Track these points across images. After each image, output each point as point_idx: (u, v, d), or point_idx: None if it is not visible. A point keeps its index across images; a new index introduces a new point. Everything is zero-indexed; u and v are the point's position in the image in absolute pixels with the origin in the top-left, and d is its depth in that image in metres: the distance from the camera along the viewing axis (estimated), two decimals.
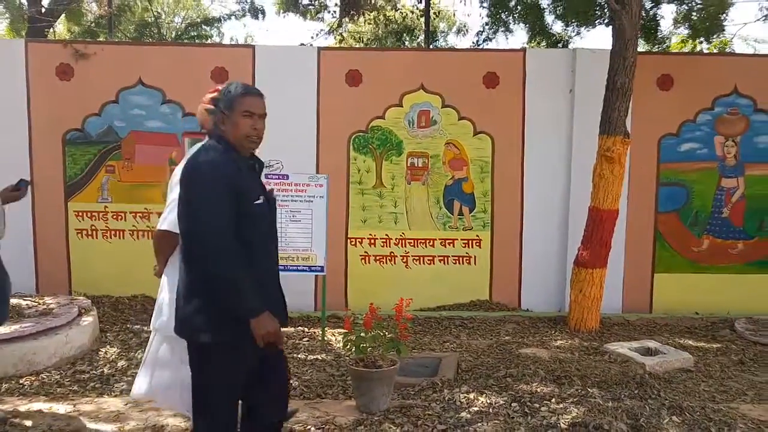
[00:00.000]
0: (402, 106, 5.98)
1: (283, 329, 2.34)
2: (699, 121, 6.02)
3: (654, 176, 6.04)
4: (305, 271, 4.81)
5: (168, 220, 2.75)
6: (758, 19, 8.21)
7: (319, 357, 4.56)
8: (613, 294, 5.88)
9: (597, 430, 3.22)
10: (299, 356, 4.57)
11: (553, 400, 3.56)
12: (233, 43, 14.62)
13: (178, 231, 2.44)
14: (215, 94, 2.59)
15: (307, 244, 4.75)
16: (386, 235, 6.03)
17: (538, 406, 3.49)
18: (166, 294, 2.85)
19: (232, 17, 11.03)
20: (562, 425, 3.27)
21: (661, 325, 5.67)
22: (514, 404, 3.51)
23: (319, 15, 9.63)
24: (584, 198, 5.48)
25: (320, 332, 5.00)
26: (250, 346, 2.23)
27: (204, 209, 2.18)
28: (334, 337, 4.99)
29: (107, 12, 8.36)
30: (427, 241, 6.07)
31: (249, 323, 2.17)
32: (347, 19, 9.24)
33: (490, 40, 8.50)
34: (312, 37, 11.11)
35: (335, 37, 10.88)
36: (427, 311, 5.92)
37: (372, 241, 6.02)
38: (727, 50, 9.65)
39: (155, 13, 12.72)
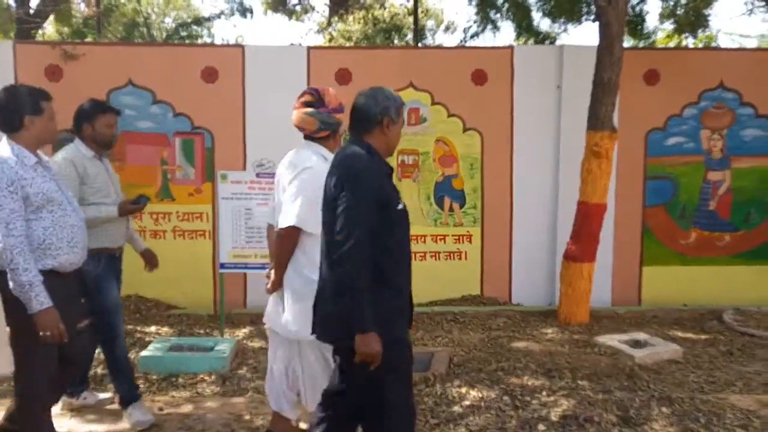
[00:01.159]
0: None
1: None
2: (685, 115, 6.09)
3: (641, 170, 6.11)
4: (257, 267, 4.74)
5: (298, 216, 2.73)
6: (743, 14, 8.31)
7: None
8: (602, 287, 5.94)
9: (587, 422, 3.29)
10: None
11: (544, 393, 3.62)
12: (223, 43, 14.60)
13: (307, 227, 2.69)
14: (311, 97, 2.88)
15: None
16: None
17: (529, 399, 3.54)
18: (289, 296, 2.84)
19: (222, 16, 11.00)
20: (552, 418, 3.32)
21: (649, 318, 5.73)
22: (505, 397, 3.56)
23: (306, 15, 9.63)
24: (573, 193, 5.53)
25: None
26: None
27: (360, 217, 2.22)
28: None
29: (95, 12, 8.33)
30: (419, 237, 6.11)
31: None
32: (336, 18, 9.25)
33: (478, 36, 8.56)
34: (301, 37, 11.13)
35: (324, 36, 10.90)
36: (419, 307, 5.95)
37: None
38: (713, 45, 9.76)
39: (145, 14, 12.66)
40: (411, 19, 7.83)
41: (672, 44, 9.19)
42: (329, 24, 9.78)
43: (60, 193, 2.78)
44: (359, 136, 2.41)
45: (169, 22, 15.20)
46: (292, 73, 5.87)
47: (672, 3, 6.37)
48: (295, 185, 2.78)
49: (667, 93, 6.04)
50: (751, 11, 7.15)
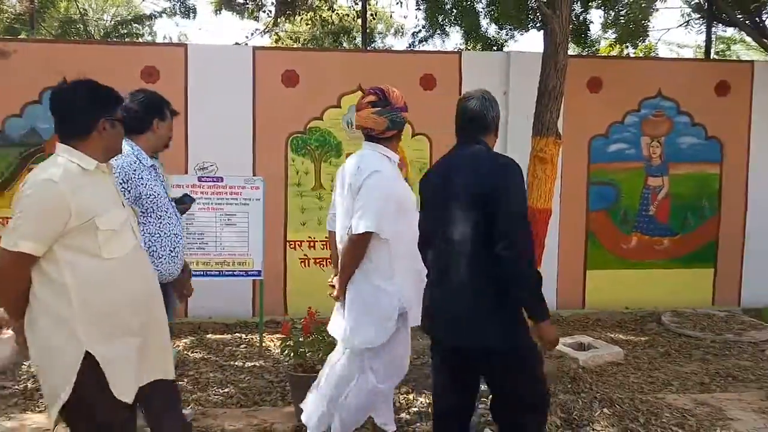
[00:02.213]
0: (340, 107, 5.95)
1: (220, 336, 2.36)
2: (627, 122, 6.27)
3: (585, 176, 6.24)
4: (242, 276, 4.71)
5: (375, 221, 2.67)
6: (680, 25, 8.63)
7: (257, 364, 4.48)
8: (547, 291, 5.88)
9: None
10: (236, 363, 4.48)
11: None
12: (165, 41, 14.22)
13: (381, 233, 2.66)
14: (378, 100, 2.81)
15: (244, 249, 4.65)
16: (326, 237, 5.96)
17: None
18: (355, 305, 2.79)
19: (163, 15, 10.69)
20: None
21: (593, 321, 5.86)
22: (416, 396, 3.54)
23: (256, 15, 9.45)
24: None
25: (258, 338, 4.91)
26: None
27: (525, 214, 2.34)
28: (273, 342, 4.91)
29: (29, 8, 7.94)
30: None
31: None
32: (283, 19, 9.12)
33: (427, 41, 8.59)
34: (247, 37, 10.93)
35: (271, 37, 10.75)
36: None
37: (312, 244, 5.96)
38: (652, 54, 10.10)
39: (81, 10, 12.19)
40: (360, 21, 7.78)
41: (614, 53, 9.47)
42: (275, 24, 9.63)
43: (167, 200, 2.75)
44: (475, 139, 2.47)
45: (107, 20, 14.70)
46: (236, 73, 5.74)
47: (613, 13, 6.55)
48: (366, 190, 2.72)
49: (609, 100, 6.20)
50: (687, 23, 7.45)
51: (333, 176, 5.92)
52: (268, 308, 5.30)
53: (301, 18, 9.79)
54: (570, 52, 5.58)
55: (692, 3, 7.10)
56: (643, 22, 6.21)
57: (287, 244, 5.91)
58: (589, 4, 7.23)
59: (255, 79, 5.78)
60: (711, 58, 7.29)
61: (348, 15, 10.56)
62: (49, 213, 1.94)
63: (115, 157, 2.36)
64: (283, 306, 5.86)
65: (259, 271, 4.71)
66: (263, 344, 4.84)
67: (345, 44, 11.92)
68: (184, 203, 3.36)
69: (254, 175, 5.58)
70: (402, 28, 13.11)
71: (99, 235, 2.02)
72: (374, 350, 2.77)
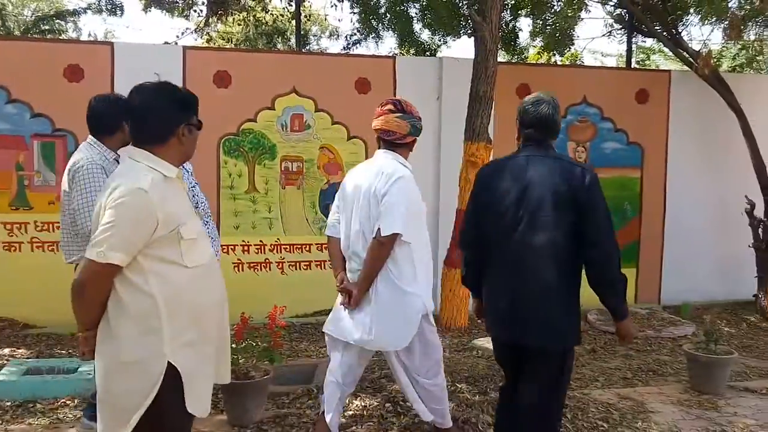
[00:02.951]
0: (274, 109, 5.88)
1: None
2: None
3: None
4: None
5: (402, 225, 2.77)
6: (603, 35, 9.03)
7: None
8: None
9: (465, 424, 3.37)
10: None
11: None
12: (90, 39, 13.66)
13: (407, 236, 2.77)
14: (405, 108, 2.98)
15: None
16: (260, 241, 5.90)
17: (410, 405, 3.56)
18: (380, 307, 2.83)
19: (88, 11, 10.26)
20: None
21: None
22: (387, 404, 3.57)
23: (187, 14, 9.22)
24: (453, 201, 5.70)
25: None
26: None
27: (611, 220, 2.46)
28: None
29: None
30: (304, 246, 6.02)
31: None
32: (215, 19, 8.94)
33: (361, 44, 8.63)
34: (177, 36, 10.64)
35: (202, 37, 10.50)
36: (304, 317, 5.87)
37: (245, 248, 5.87)
38: (578, 63, 10.52)
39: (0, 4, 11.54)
40: (294, 23, 7.72)
41: (542, 60, 9.80)
42: (207, 24, 9.43)
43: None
44: (545, 143, 2.54)
45: (28, 15, 13.96)
46: (166, 73, 5.54)
47: (541, 22, 6.79)
48: (392, 195, 2.80)
49: None
50: (610, 33, 7.80)
51: (267, 179, 5.90)
52: None
53: (234, 18, 9.62)
54: (500, 59, 5.75)
55: (614, 14, 7.44)
56: (568, 31, 6.45)
57: (220, 248, 5.78)
58: (518, 12, 7.46)
59: (185, 80, 5.63)
60: (632, 67, 7.65)
61: (282, 16, 10.46)
62: (140, 223, 1.87)
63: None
64: None
65: None
66: None
67: (280, 46, 11.80)
68: None
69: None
70: (337, 31, 13.09)
71: (182, 244, 1.96)
72: (405, 349, 2.90)
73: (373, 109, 6.07)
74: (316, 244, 6.04)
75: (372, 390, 3.86)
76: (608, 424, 3.48)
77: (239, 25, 10.26)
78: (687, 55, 6.54)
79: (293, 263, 5.99)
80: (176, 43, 9.46)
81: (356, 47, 8.72)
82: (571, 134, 6.53)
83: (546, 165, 2.47)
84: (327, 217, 6.01)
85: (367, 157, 6.10)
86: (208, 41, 10.82)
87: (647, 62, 12.94)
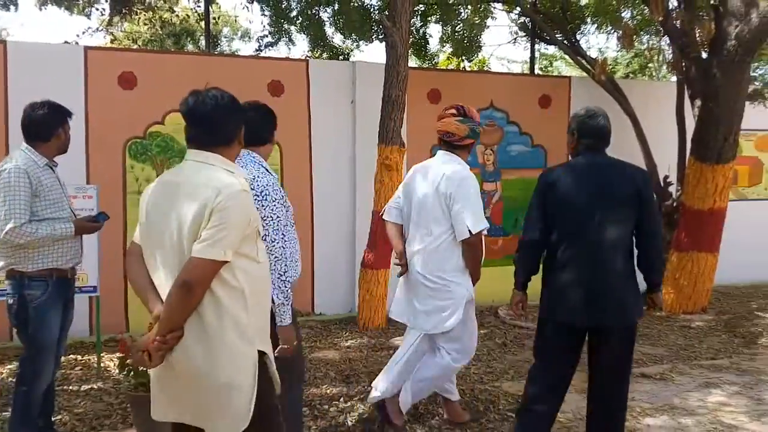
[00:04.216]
0: None
1: None
2: None
3: None
4: (76, 292, 4.33)
5: (483, 220, 3.15)
6: (508, 42, 9.41)
7: (94, 386, 4.16)
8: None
9: (382, 423, 3.41)
10: (71, 388, 4.12)
11: (342, 399, 3.70)
12: None
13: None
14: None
15: None
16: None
17: (327, 407, 3.59)
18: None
19: None
20: (349, 423, 3.40)
21: None
22: (304, 409, 3.56)
23: (88, 12, 8.77)
24: (369, 203, 5.76)
25: (95, 359, 4.56)
26: None
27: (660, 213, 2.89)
28: (113, 362, 4.58)
29: None
30: None
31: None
32: (119, 18, 8.56)
33: (274, 46, 8.54)
34: (78, 36, 10.09)
35: (105, 36, 10.03)
36: None
37: None
38: (485, 68, 10.90)
39: None
40: (203, 24, 7.53)
41: (452, 66, 10.08)
42: (110, 23, 9.01)
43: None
44: (603, 151, 2.90)
45: None
46: (65, 74, 5.30)
47: (450, 29, 6.99)
48: (465, 195, 3.10)
49: None
50: (515, 40, 8.15)
51: None
52: (108, 326, 4.97)
53: (140, 18, 9.25)
54: (411, 64, 5.87)
55: (518, 22, 7.79)
56: (475, 38, 6.69)
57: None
58: (428, 18, 7.65)
59: (87, 81, 5.38)
60: (535, 73, 8.02)
61: (189, 17, 10.16)
62: (244, 222, 1.98)
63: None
64: (125, 322, 5.51)
65: (95, 287, 4.38)
66: (102, 365, 4.51)
67: (191, 47, 11.48)
68: (98, 221, 3.33)
69: (88, 183, 5.19)
70: (248, 33, 12.87)
71: (258, 241, 2.09)
72: (446, 334, 3.18)
73: (287, 113, 6.10)
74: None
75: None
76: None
77: (146, 24, 9.88)
78: (585, 62, 6.95)
79: None
80: (77, 43, 8.98)
81: (268, 50, 8.62)
82: (480, 138, 6.74)
83: (611, 169, 2.87)
84: None
85: (282, 161, 6.07)
86: (112, 41, 10.35)
87: (550, 69, 13.60)
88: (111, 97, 5.47)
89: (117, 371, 4.08)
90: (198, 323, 1.94)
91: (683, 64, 6.08)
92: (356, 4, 7.00)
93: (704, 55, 5.79)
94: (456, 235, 3.13)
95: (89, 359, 4.71)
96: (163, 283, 1.98)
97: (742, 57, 5.40)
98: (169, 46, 10.89)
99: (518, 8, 7.36)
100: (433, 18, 7.39)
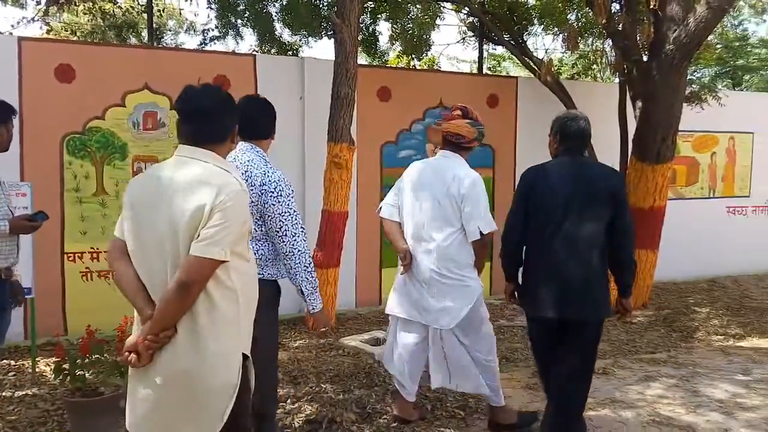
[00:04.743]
0: (125, 106, 5.53)
1: None
2: (413, 130, 6.73)
3: (378, 180, 6.58)
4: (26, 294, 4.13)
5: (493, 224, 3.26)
6: (457, 42, 9.50)
7: (29, 392, 3.97)
8: (347, 290, 6.24)
9: (330, 423, 3.39)
10: (4, 394, 3.93)
11: (289, 401, 3.65)
12: None
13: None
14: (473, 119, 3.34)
15: None
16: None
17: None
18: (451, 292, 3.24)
19: None
20: (296, 424, 3.36)
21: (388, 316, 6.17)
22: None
23: (22, 1, 8.36)
24: (318, 201, 5.71)
25: (30, 363, 4.36)
26: None
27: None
28: (49, 367, 4.39)
29: None
30: None
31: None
32: (56, 9, 8.20)
33: (221, 40, 8.36)
34: (12, 26, 9.63)
35: (42, 27, 9.60)
36: None
37: (94, 255, 5.45)
38: (435, 67, 10.98)
39: None
40: (147, 16, 7.29)
41: (402, 64, 10.11)
42: (47, 14, 8.62)
43: None
44: (583, 152, 3.02)
45: None
46: None
47: (399, 27, 6.99)
48: (475, 196, 3.19)
49: (397, 109, 6.60)
50: (464, 39, 8.23)
51: (118, 181, 5.53)
52: (45, 329, 4.77)
53: (78, 8, 8.88)
54: (361, 61, 5.84)
55: (467, 22, 7.87)
56: (425, 36, 6.71)
57: (65, 256, 5.33)
58: (378, 16, 7.63)
59: (21, 73, 5.13)
60: (483, 73, 8.13)
61: (133, 9, 9.83)
62: (242, 222, 1.97)
63: None
64: (63, 325, 5.29)
65: (29, 289, 4.18)
66: (37, 370, 4.31)
67: (134, 39, 11.11)
68: (35, 221, 3.22)
69: (22, 180, 4.95)
70: (194, 26, 12.55)
71: (249, 239, 2.09)
72: (463, 328, 3.24)
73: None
74: None
75: None
76: (465, 412, 3.67)
77: (86, 15, 9.50)
78: (531, 63, 7.08)
79: None
80: (11, 34, 8.57)
81: (214, 43, 8.43)
82: (430, 136, 6.79)
83: (590, 170, 3.00)
84: None
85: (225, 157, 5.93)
86: (48, 32, 9.91)
87: (498, 69, 13.81)
88: (47, 90, 5.23)
89: (53, 376, 3.91)
90: (191, 323, 1.91)
91: (625, 66, 6.26)
92: (304, 0, 6.92)
93: (645, 57, 5.98)
94: (467, 236, 3.24)
95: (23, 364, 4.51)
96: (151, 278, 1.94)
97: (679, 60, 5.60)
98: (111, 38, 10.50)
99: (467, 8, 7.44)
100: (383, 16, 7.39)
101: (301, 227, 2.59)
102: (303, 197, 6.19)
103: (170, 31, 12.96)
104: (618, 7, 6.45)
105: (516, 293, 3.22)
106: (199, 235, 1.87)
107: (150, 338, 1.87)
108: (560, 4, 6.91)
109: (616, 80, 6.87)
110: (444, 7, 7.87)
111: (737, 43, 14.47)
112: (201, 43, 8.44)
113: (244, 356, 2.02)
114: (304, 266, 2.56)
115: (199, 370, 1.91)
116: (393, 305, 3.48)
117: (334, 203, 5.57)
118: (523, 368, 4.66)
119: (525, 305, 3.13)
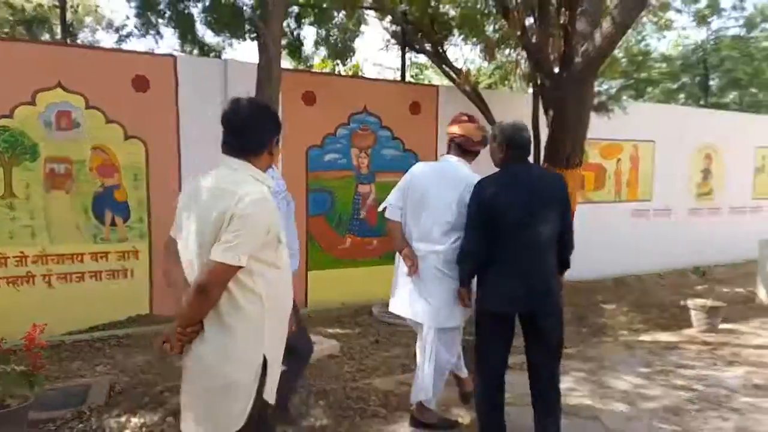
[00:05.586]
0: (35, 105, 5.29)
1: None
2: (338, 134, 6.80)
3: (304, 183, 6.60)
4: None
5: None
6: (380, 49, 9.64)
7: None
8: None
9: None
10: None
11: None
12: None
13: None
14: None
15: None
16: (21, 252, 5.26)
17: None
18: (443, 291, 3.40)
19: None
20: None
21: (314, 318, 6.21)
22: (169, 418, 3.45)
23: None
24: None
25: None
26: None
27: None
28: None
29: None
30: (75, 256, 5.51)
31: None
32: None
33: (138, 38, 8.10)
34: None
35: None
36: (78, 334, 5.37)
37: (2, 260, 5.18)
38: (360, 73, 11.10)
39: None
40: (59, 11, 6.98)
41: (327, 69, 10.15)
42: None
43: None
44: (526, 159, 3.22)
45: None
46: None
47: (324, 32, 7.04)
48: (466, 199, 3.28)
49: (323, 114, 6.66)
50: (387, 47, 8.37)
51: (28, 182, 5.29)
52: None
53: None
54: (287, 65, 5.85)
55: (390, 30, 8.01)
56: (349, 42, 6.80)
57: None
58: (302, 21, 7.64)
59: None
60: (406, 80, 8.30)
61: (43, 4, 9.35)
62: (262, 229, 2.04)
63: None
64: None
65: None
66: None
67: (47, 36, 10.55)
68: None
69: None
70: (112, 24, 12.08)
71: (279, 248, 2.16)
72: (458, 328, 3.47)
73: (154, 109, 5.86)
74: (90, 253, 5.57)
75: (153, 405, 3.68)
76: (387, 410, 3.76)
77: None
78: (451, 72, 7.30)
79: (63, 276, 5.45)
80: None
81: (129, 40, 8.14)
82: (354, 141, 6.89)
83: (540, 177, 3.23)
84: (102, 223, 5.68)
85: (148, 159, 5.79)
86: None
87: (421, 77, 14.11)
88: None
89: None
90: (216, 322, 2.05)
91: (538, 77, 6.59)
92: (227, 2, 6.84)
93: (556, 69, 6.31)
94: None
95: None
96: (190, 276, 2.10)
97: (587, 73, 5.94)
98: (22, 33, 9.94)
99: (390, 17, 7.58)
100: (308, 20, 7.42)
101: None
102: None
103: (87, 28, 12.40)
104: (532, 21, 6.78)
105: (468, 297, 3.35)
106: (219, 239, 1.99)
107: (179, 331, 2.04)
108: (479, 16, 7.17)
109: (530, 90, 7.20)
110: (368, 15, 7.99)
111: (640, 58, 15.47)
112: (118, 41, 8.15)
113: (265, 359, 2.10)
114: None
115: (220, 367, 2.05)
116: (396, 304, 3.68)
117: None
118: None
119: (486, 303, 3.22)
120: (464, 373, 3.79)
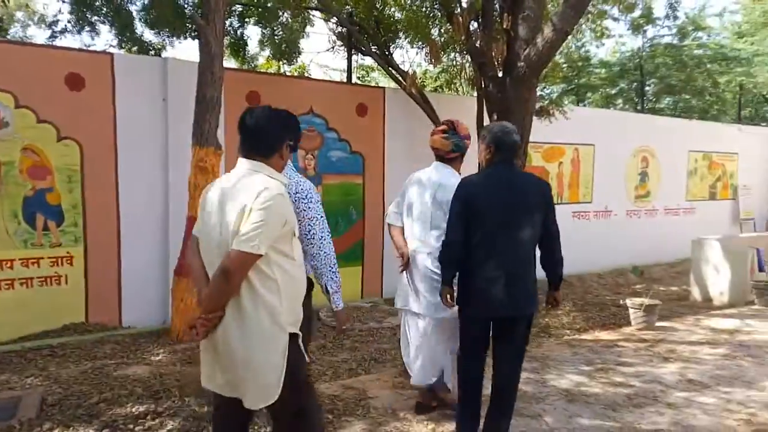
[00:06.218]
0: None
1: None
2: None
3: None
4: None
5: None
6: (327, 50, 9.60)
7: None
8: None
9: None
10: None
11: (149, 417, 3.49)
12: None
13: None
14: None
15: None
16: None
17: (132, 426, 3.37)
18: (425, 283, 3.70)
19: None
20: None
21: None
22: (106, 430, 3.30)
23: None
24: (183, 207, 5.51)
25: None
26: None
27: None
28: None
29: None
30: (3, 262, 5.24)
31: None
32: None
33: (73, 35, 7.76)
34: None
35: None
36: (7, 344, 5.10)
37: None
38: (306, 74, 11.01)
39: None
40: None
41: (273, 69, 10.01)
42: None
43: None
44: (512, 161, 3.25)
45: None
46: None
47: (269, 31, 6.93)
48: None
49: None
50: (333, 48, 8.33)
51: None
52: None
53: None
54: (230, 65, 5.72)
55: (336, 32, 7.98)
56: (295, 42, 6.71)
57: None
58: (246, 20, 7.51)
59: None
60: (352, 82, 8.28)
61: None
62: (280, 221, 2.28)
63: None
64: None
65: None
66: None
67: None
68: None
69: None
70: (44, 19, 11.57)
71: (293, 240, 2.39)
72: (454, 320, 3.49)
73: (89, 109, 5.65)
74: (20, 259, 5.30)
75: (88, 417, 3.52)
76: (333, 415, 3.72)
77: None
78: (398, 75, 7.33)
79: None
80: None
81: (63, 36, 7.79)
82: (301, 143, 6.79)
83: (523, 179, 3.26)
84: (33, 228, 5.42)
85: (82, 161, 5.58)
86: None
87: (367, 78, 14.11)
88: None
89: None
90: (237, 308, 2.28)
91: (482, 81, 6.68)
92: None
93: (500, 73, 6.42)
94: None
95: None
96: (211, 270, 2.33)
97: (530, 77, 6.08)
98: None
99: (335, 18, 7.55)
100: (252, 20, 7.29)
101: (328, 231, 2.85)
102: (167, 203, 5.94)
103: (18, 23, 11.84)
104: (476, 25, 6.87)
105: (450, 296, 3.34)
106: (239, 231, 2.21)
107: (202, 317, 2.27)
108: (424, 20, 7.22)
109: (475, 94, 7.30)
110: (314, 15, 7.93)
111: (580, 63, 15.96)
112: (51, 38, 7.78)
113: (293, 335, 2.35)
114: (330, 267, 2.82)
115: (244, 349, 2.28)
116: (398, 300, 3.94)
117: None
118: (390, 368, 4.80)
119: (471, 307, 3.25)
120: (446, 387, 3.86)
